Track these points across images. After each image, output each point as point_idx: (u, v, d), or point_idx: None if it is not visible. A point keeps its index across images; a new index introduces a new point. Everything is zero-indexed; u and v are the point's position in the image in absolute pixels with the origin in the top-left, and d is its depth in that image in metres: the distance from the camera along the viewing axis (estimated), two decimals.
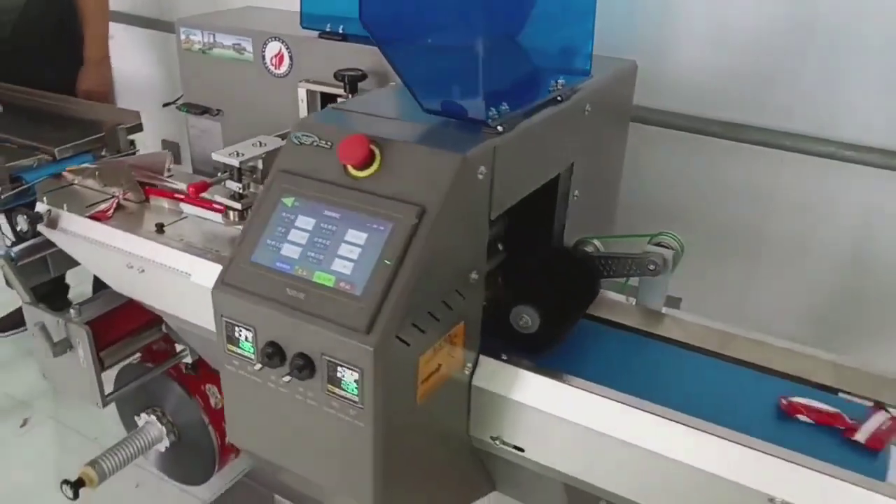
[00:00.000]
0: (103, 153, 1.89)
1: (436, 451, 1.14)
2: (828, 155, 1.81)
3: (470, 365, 1.13)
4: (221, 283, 1.01)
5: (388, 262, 0.92)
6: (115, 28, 2.92)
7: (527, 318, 1.16)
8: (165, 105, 2.04)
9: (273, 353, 0.97)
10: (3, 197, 1.67)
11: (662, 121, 1.95)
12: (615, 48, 1.77)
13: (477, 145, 0.99)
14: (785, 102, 1.80)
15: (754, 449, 0.98)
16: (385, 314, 0.91)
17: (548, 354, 1.18)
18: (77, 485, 1.70)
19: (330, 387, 0.95)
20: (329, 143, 1.02)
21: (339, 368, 0.93)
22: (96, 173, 1.71)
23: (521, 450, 1.15)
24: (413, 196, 0.95)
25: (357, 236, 0.96)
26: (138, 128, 1.98)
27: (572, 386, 1.10)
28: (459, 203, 0.97)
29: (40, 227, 1.63)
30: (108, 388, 1.70)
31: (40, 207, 1.65)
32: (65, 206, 1.63)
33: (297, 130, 1.06)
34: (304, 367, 0.95)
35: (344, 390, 0.94)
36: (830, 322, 1.94)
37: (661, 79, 1.90)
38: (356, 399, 0.94)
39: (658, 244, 1.28)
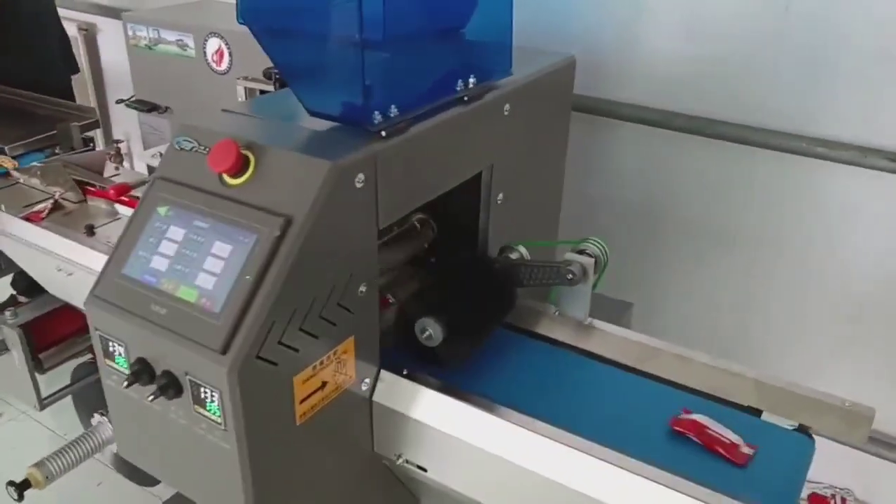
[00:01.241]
0: (56, 151, 1.87)
1: (337, 468, 1.09)
2: (801, 152, 1.72)
3: (368, 381, 1.08)
4: (92, 295, 0.97)
5: (248, 278, 0.87)
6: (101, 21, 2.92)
7: (430, 332, 1.11)
8: (118, 102, 2.01)
9: (141, 371, 0.93)
10: None
11: (632, 115, 1.87)
12: (579, 38, 1.70)
13: (353, 152, 0.93)
14: (759, 96, 1.71)
15: (635, 473, 0.92)
16: (242, 334, 0.86)
17: (454, 368, 1.12)
18: (23, 486, 1.69)
19: (196, 407, 0.91)
20: (206, 149, 0.97)
21: (201, 389, 0.89)
22: (38, 172, 1.69)
23: (425, 469, 1.10)
24: (281, 206, 0.90)
25: (223, 248, 0.91)
26: (94, 125, 1.96)
27: (467, 404, 1.04)
28: (334, 214, 0.91)
29: None
30: (52, 389, 1.69)
31: None
32: (2, 205, 1.61)
33: (178, 135, 1.01)
34: (169, 385, 0.91)
35: (208, 411, 0.90)
36: (798, 327, 1.85)
37: (630, 71, 1.82)
38: (219, 421, 0.89)
39: (581, 252, 1.21)
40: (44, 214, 1.56)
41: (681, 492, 0.89)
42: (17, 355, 1.55)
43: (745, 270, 1.87)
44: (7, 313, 1.57)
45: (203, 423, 0.91)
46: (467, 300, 1.15)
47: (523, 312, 1.27)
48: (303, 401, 0.96)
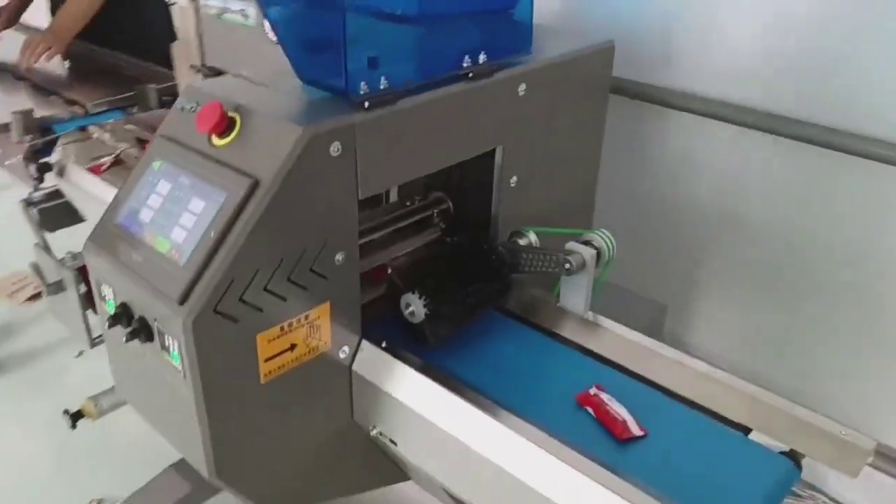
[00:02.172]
0: (134, 110, 2.00)
1: (313, 431, 1.11)
2: (892, 161, 1.54)
3: (347, 349, 1.09)
4: (89, 241, 1.04)
5: (212, 234, 0.90)
6: None
7: (413, 308, 1.10)
8: (191, 67, 2.11)
9: (121, 315, 0.98)
10: (30, 145, 1.81)
11: (700, 108, 1.77)
12: (648, 22, 1.62)
13: (328, 120, 0.93)
14: (845, 95, 1.55)
15: (589, 476, 0.88)
16: (201, 287, 0.89)
17: (435, 347, 1.11)
18: (76, 416, 1.83)
19: (163, 353, 0.95)
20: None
21: (165, 336, 0.93)
22: (109, 129, 1.81)
23: (395, 443, 1.10)
24: (253, 168, 0.92)
25: (197, 205, 0.94)
26: (172, 88, 2.08)
27: (435, 383, 1.03)
28: (304, 179, 0.92)
29: (53, 176, 1.76)
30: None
31: (54, 157, 1.78)
32: (73, 157, 1.74)
33: (182, 96, 1.06)
34: (141, 330, 0.96)
35: (172, 358, 0.94)
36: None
37: (703, 61, 1.72)
38: (180, 369, 0.93)
39: (586, 242, 1.16)
40: (104, 167, 1.67)
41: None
42: (71, 295, 1.68)
43: (812, 290, 1.72)
44: (67, 255, 1.69)
45: (169, 369, 0.95)
46: (457, 281, 1.14)
47: (525, 300, 1.24)
48: (268, 359, 0.98)
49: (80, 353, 2.55)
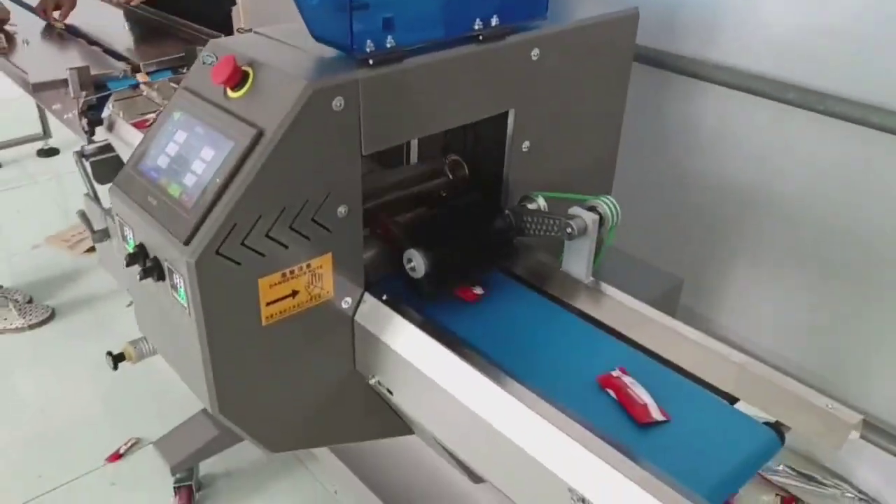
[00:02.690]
0: (183, 70, 2.08)
1: (314, 376, 1.16)
2: None
3: (349, 299, 1.13)
4: (113, 184, 1.11)
5: (218, 181, 0.95)
6: None
7: (414, 264, 1.14)
8: (238, 30, 2.18)
9: (138, 254, 1.05)
10: (84, 100, 1.92)
11: (737, 83, 1.74)
12: None
13: (332, 75, 0.97)
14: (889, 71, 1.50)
15: (567, 434, 0.90)
16: (205, 229, 0.94)
17: (434, 302, 1.15)
18: (118, 358, 1.95)
19: (172, 291, 1.02)
20: None
21: (174, 275, 0.99)
22: (156, 87, 1.90)
23: (391, 393, 1.15)
24: (260, 119, 0.97)
25: (208, 153, 0.99)
26: None
27: (430, 337, 1.06)
28: (307, 132, 0.97)
29: (103, 131, 1.85)
30: None
31: (105, 113, 1.87)
32: (122, 113, 1.83)
33: (205, 50, 1.11)
34: (154, 269, 1.02)
35: (179, 297, 1.00)
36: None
37: (743, 35, 1.68)
38: (186, 306, 0.99)
39: (591, 208, 1.17)
40: (149, 123, 1.76)
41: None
42: (115, 243, 1.78)
43: (850, 274, 1.68)
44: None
45: (178, 307, 1.02)
46: (460, 239, 1.17)
47: (531, 264, 1.26)
48: (270, 303, 1.04)
49: (130, 304, 2.70)
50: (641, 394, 0.98)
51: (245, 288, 1.00)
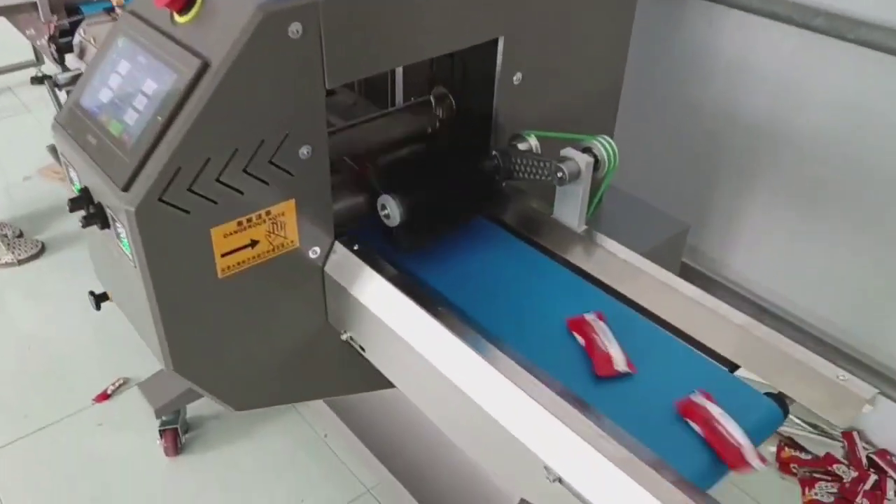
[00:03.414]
0: None
1: (285, 332, 1.08)
2: None
3: (318, 249, 1.04)
4: (55, 121, 1.00)
5: (159, 118, 0.85)
6: None
7: (388, 211, 1.04)
8: None
9: (83, 199, 0.96)
10: (56, 25, 1.79)
11: (760, 8, 1.58)
12: None
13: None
14: None
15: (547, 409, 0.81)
16: (145, 174, 0.84)
17: (410, 253, 1.05)
18: (101, 298, 1.88)
19: (118, 241, 0.93)
20: None
21: (116, 224, 0.90)
22: None
23: (364, 350, 1.06)
24: (206, 49, 0.85)
25: (150, 86, 0.89)
26: None
27: (402, 293, 0.97)
28: (260, 64, 0.85)
29: (72, 58, 1.74)
30: None
31: (77, 38, 1.75)
32: (93, 39, 1.71)
33: None
34: (97, 216, 0.93)
35: (123, 246, 0.91)
36: None
37: None
38: (131, 257, 0.90)
39: (585, 150, 1.06)
40: None
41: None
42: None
43: (869, 217, 1.56)
44: None
45: (124, 258, 0.93)
46: (441, 184, 1.06)
47: (521, 211, 1.15)
48: (226, 255, 0.95)
49: None
50: (609, 343, 0.90)
51: (196, 238, 0.91)
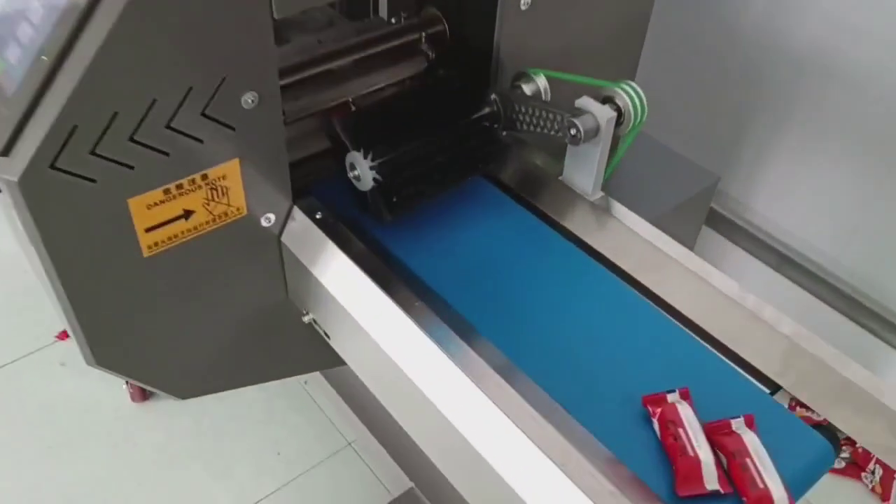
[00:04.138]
0: None
1: (235, 311, 0.91)
2: None
3: (272, 216, 0.85)
4: None
5: (44, 59, 0.64)
6: None
7: (358, 172, 0.84)
8: None
9: None
10: None
11: None
12: None
13: None
14: None
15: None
16: (31, 133, 0.65)
17: (386, 223, 0.86)
18: None
19: (10, 209, 0.73)
20: None
21: (7, 192, 0.71)
22: None
23: (328, 336, 0.89)
24: None
25: (36, 12, 0.67)
26: None
27: (365, 274, 0.79)
28: None
29: None
30: None
31: None
32: None
33: None
34: None
35: (19, 219, 0.72)
36: None
37: None
38: (28, 234, 0.72)
39: (606, 99, 0.85)
40: None
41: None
42: None
43: None
44: None
45: (20, 231, 0.74)
46: (426, 137, 0.85)
47: (523, 167, 0.95)
48: (151, 229, 0.76)
49: None
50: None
51: (108, 211, 0.72)
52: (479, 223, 0.89)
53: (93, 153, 0.67)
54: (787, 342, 0.73)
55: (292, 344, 0.97)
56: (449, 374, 0.70)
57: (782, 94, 1.51)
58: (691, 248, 1.38)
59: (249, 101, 0.74)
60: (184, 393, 0.92)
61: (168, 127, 0.70)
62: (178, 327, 0.86)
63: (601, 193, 0.89)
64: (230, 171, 0.78)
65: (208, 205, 0.78)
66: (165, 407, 1.66)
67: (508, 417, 0.65)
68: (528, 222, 0.90)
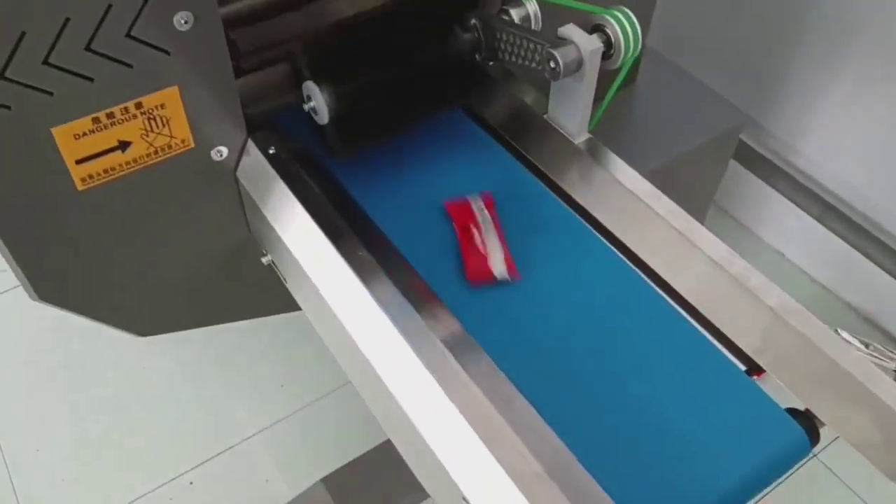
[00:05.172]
0: None
1: (191, 251, 0.86)
2: None
3: (224, 149, 0.79)
4: None
5: None
6: None
7: (315, 104, 0.77)
8: None
9: None
10: None
11: None
12: None
13: None
14: None
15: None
16: None
17: (344, 159, 0.79)
18: None
19: None
20: None
21: None
22: None
23: (286, 281, 0.84)
24: None
25: None
26: None
27: (318, 224, 0.72)
28: None
29: None
30: None
31: None
32: None
33: None
34: None
35: None
36: None
37: None
38: None
39: (595, 28, 0.75)
40: None
41: None
42: None
43: None
44: None
45: None
46: (393, 66, 0.77)
47: (510, 105, 0.86)
48: (82, 161, 0.71)
49: None
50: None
51: (31, 142, 0.67)
52: (448, 163, 0.81)
53: (3, 77, 0.62)
54: (770, 316, 0.64)
55: (257, 284, 0.92)
56: (382, 329, 0.64)
57: (839, 13, 1.34)
58: (711, 196, 1.28)
59: (183, 21, 0.67)
60: (141, 330, 0.89)
61: (88, 49, 0.64)
62: (128, 263, 0.82)
63: (587, 135, 0.80)
64: (169, 100, 0.72)
65: (147, 136, 0.73)
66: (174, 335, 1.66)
67: (440, 384, 0.59)
68: (503, 164, 0.81)
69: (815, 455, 1.34)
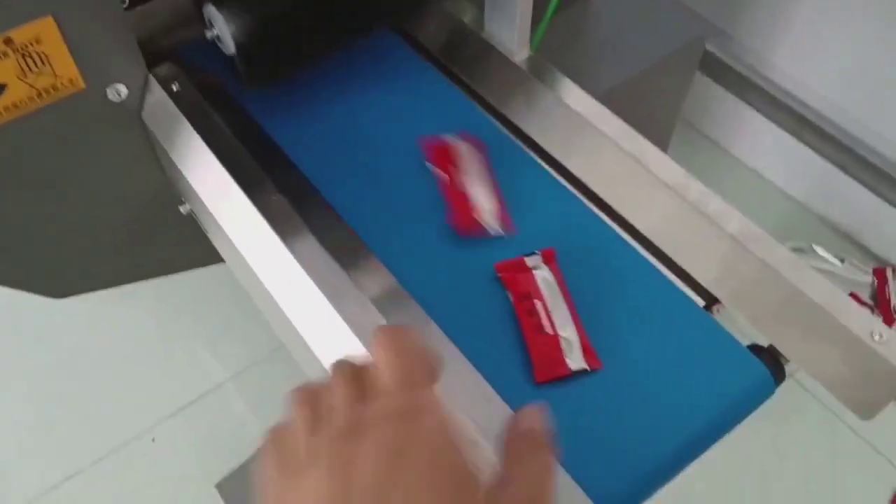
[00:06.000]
0: None
1: (102, 204, 0.78)
2: None
3: (122, 88, 0.70)
4: None
5: None
6: None
7: (217, 31, 0.68)
8: None
9: None
10: None
11: None
12: None
13: None
14: None
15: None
16: None
17: (258, 88, 0.71)
18: None
19: None
20: None
21: None
22: None
23: (207, 232, 0.77)
24: None
25: None
26: None
27: (225, 167, 0.65)
28: None
29: None
30: None
31: None
32: None
33: None
34: None
35: None
36: None
37: None
38: None
39: None
40: None
41: None
42: None
43: None
44: None
45: None
46: None
47: (446, 24, 0.77)
48: None
49: None
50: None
51: None
52: (374, 90, 0.73)
53: None
54: (730, 244, 0.58)
55: (181, 234, 0.85)
56: (290, 270, 0.57)
57: None
58: (676, 115, 1.20)
59: None
60: (55, 292, 0.82)
61: None
62: (33, 221, 0.74)
63: (528, 53, 0.71)
64: (45, 33, 0.63)
65: (25, 77, 0.64)
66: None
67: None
68: (435, 89, 0.73)
69: (791, 376, 1.30)
